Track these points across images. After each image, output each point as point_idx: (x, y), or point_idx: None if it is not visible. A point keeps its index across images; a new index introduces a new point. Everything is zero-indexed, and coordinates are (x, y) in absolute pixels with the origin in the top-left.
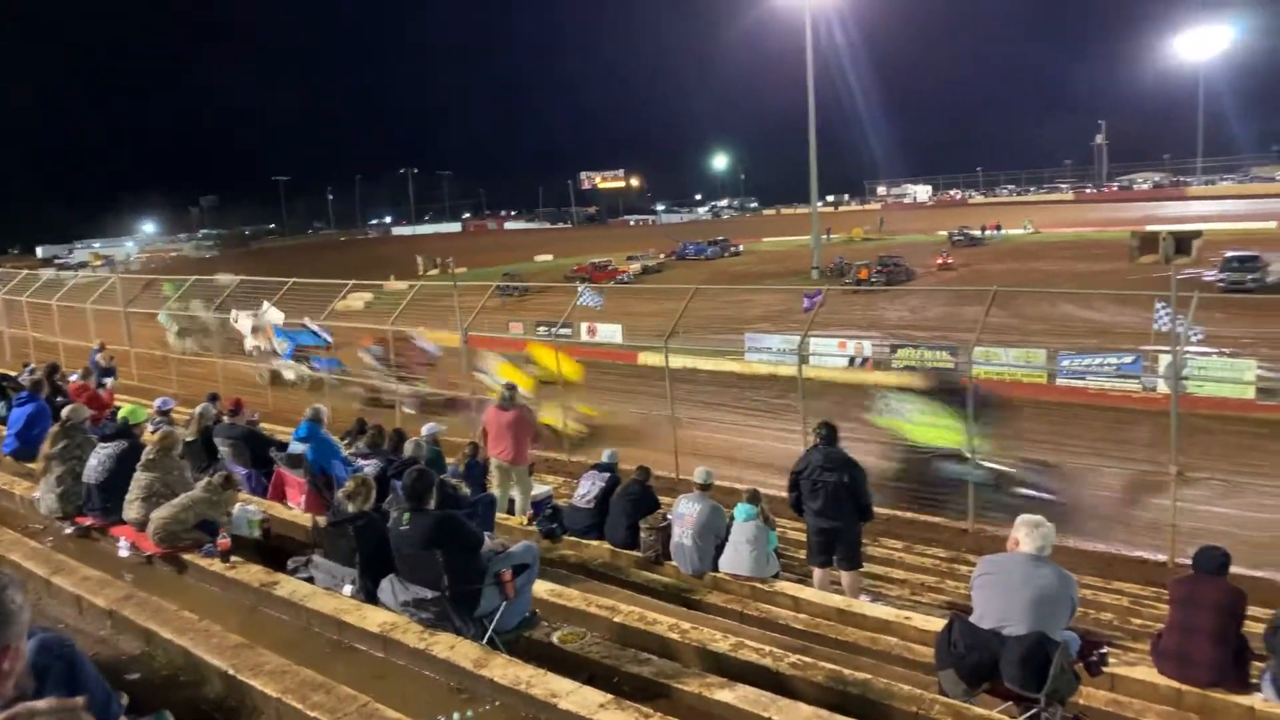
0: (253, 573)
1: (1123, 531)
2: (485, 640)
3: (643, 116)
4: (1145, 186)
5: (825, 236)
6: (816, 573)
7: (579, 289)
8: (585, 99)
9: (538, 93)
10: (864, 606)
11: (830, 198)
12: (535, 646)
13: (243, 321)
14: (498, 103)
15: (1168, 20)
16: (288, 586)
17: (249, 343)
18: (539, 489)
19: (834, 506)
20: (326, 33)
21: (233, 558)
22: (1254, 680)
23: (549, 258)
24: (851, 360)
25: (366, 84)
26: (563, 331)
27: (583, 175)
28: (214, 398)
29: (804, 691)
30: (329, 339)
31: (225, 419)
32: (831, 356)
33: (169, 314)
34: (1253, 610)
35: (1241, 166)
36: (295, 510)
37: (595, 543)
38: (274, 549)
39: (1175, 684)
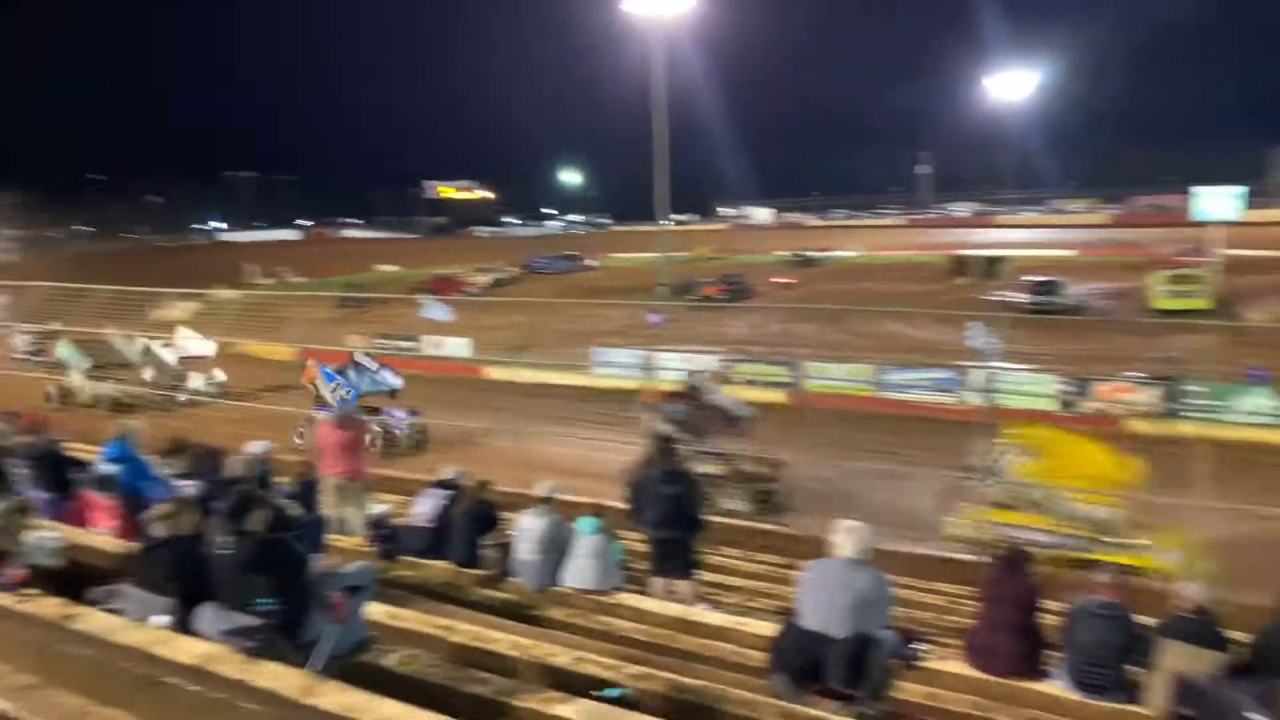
0: (49, 606)
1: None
2: (314, 667)
3: (496, 128)
4: (963, 214)
5: (673, 254)
6: (655, 582)
7: (421, 301)
8: (436, 108)
9: (387, 99)
10: (702, 615)
11: (681, 216)
12: (369, 671)
13: (157, 351)
14: (344, 107)
15: (983, 63)
16: (90, 619)
17: (195, 381)
18: (376, 508)
19: (670, 517)
20: (154, 24)
21: (27, 590)
22: (1047, 668)
23: (395, 268)
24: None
25: (198, 80)
26: (405, 344)
27: (429, 184)
28: (10, 415)
29: (644, 702)
30: (398, 383)
31: (21, 437)
32: (677, 371)
33: (73, 348)
34: (1049, 604)
35: (1044, 199)
36: (103, 536)
37: (435, 562)
38: (77, 579)
39: (984, 675)
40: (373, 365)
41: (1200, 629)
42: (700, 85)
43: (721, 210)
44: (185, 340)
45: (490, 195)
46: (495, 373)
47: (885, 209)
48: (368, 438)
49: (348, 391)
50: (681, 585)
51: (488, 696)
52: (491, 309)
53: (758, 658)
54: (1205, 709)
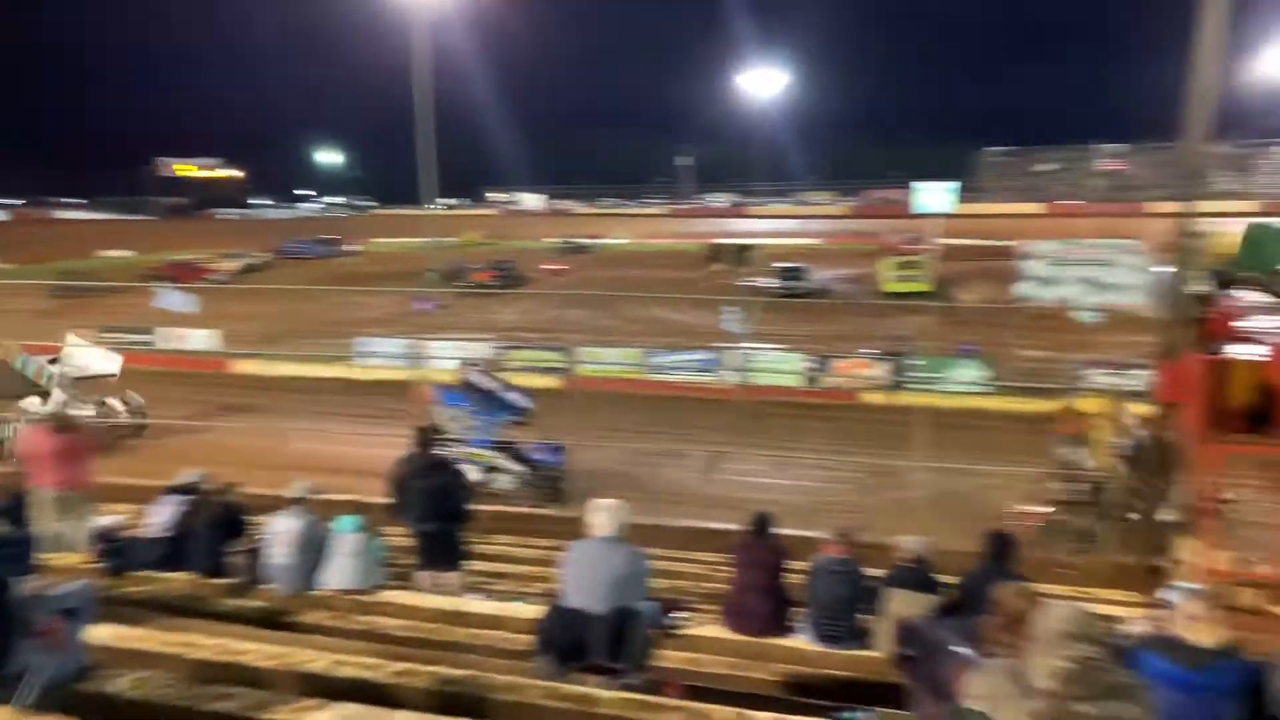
0: None
1: (701, 505)
2: (24, 702)
3: (243, 103)
4: (720, 205)
5: (442, 239)
6: (421, 576)
7: (156, 290)
8: (173, 78)
9: (115, 66)
10: (470, 604)
11: (450, 200)
12: (94, 700)
13: (58, 370)
14: (63, 72)
15: (740, 60)
16: None
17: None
18: (103, 520)
19: (434, 509)
20: None
21: None
22: (795, 624)
23: (125, 253)
24: (465, 363)
25: None
26: (137, 337)
27: (164, 161)
28: None
29: (407, 699)
30: (528, 404)
31: None
32: (446, 360)
33: None
34: (796, 565)
35: (792, 191)
36: None
37: (174, 574)
38: None
39: (738, 636)
40: (492, 383)
41: (917, 577)
42: (469, 67)
43: (490, 195)
44: (78, 354)
45: (237, 174)
46: (245, 366)
47: (650, 198)
48: (501, 480)
49: (478, 422)
50: (449, 577)
51: (233, 712)
52: (241, 297)
53: (527, 642)
54: (922, 647)
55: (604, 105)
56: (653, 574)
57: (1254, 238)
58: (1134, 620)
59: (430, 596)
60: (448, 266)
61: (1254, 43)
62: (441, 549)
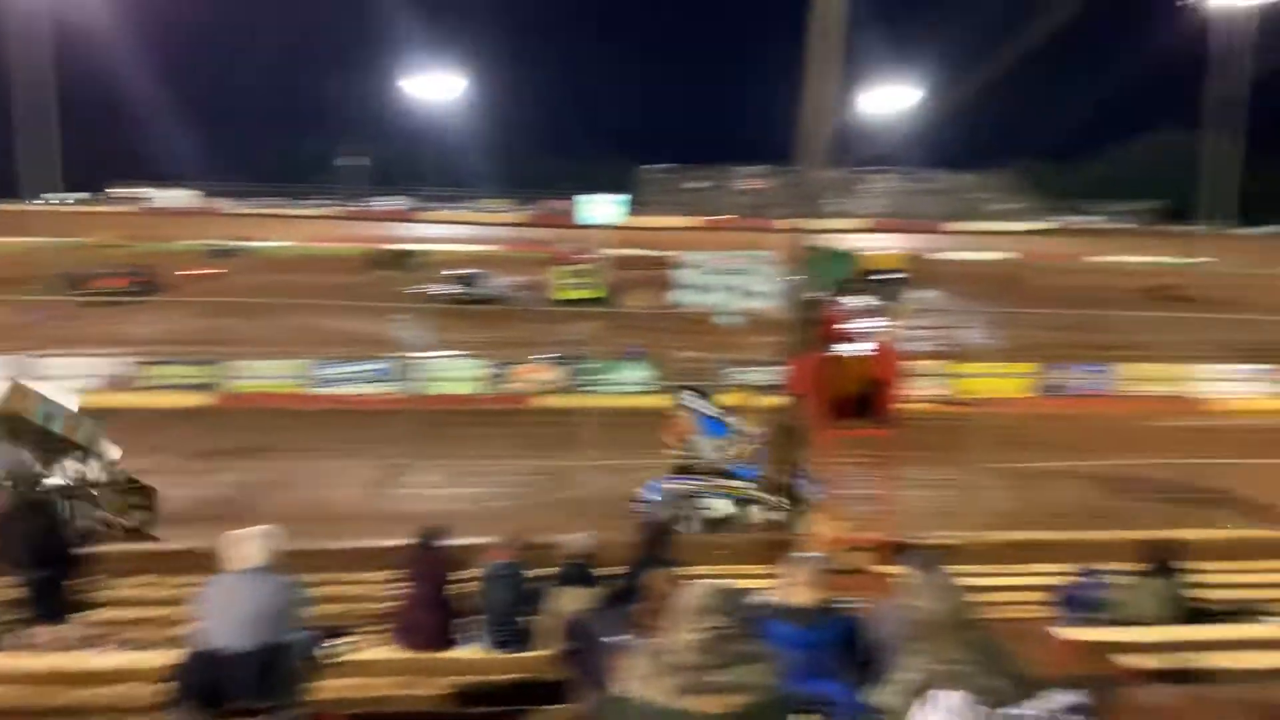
0: None
1: (373, 522)
2: None
3: None
4: (395, 208)
5: (64, 240)
6: (30, 633)
7: None
8: None
9: None
10: (91, 659)
11: (79, 195)
12: None
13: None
14: None
15: (414, 63)
16: None
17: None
18: None
19: (38, 555)
20: None
21: None
22: (468, 634)
23: None
24: (91, 382)
25: None
26: None
27: None
28: None
29: None
30: (754, 431)
31: None
32: (69, 379)
33: None
34: (471, 574)
35: (469, 198)
36: None
37: None
38: None
39: (407, 654)
40: (710, 409)
41: (581, 573)
42: (99, 42)
43: (116, 191)
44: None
45: None
46: None
47: (317, 199)
48: (755, 512)
49: (752, 448)
50: (61, 630)
51: None
52: None
53: (161, 693)
54: (584, 640)
55: (268, 98)
56: (314, 600)
57: (813, 260)
58: (767, 591)
59: (39, 656)
60: (70, 271)
61: (862, 80)
62: (53, 599)
